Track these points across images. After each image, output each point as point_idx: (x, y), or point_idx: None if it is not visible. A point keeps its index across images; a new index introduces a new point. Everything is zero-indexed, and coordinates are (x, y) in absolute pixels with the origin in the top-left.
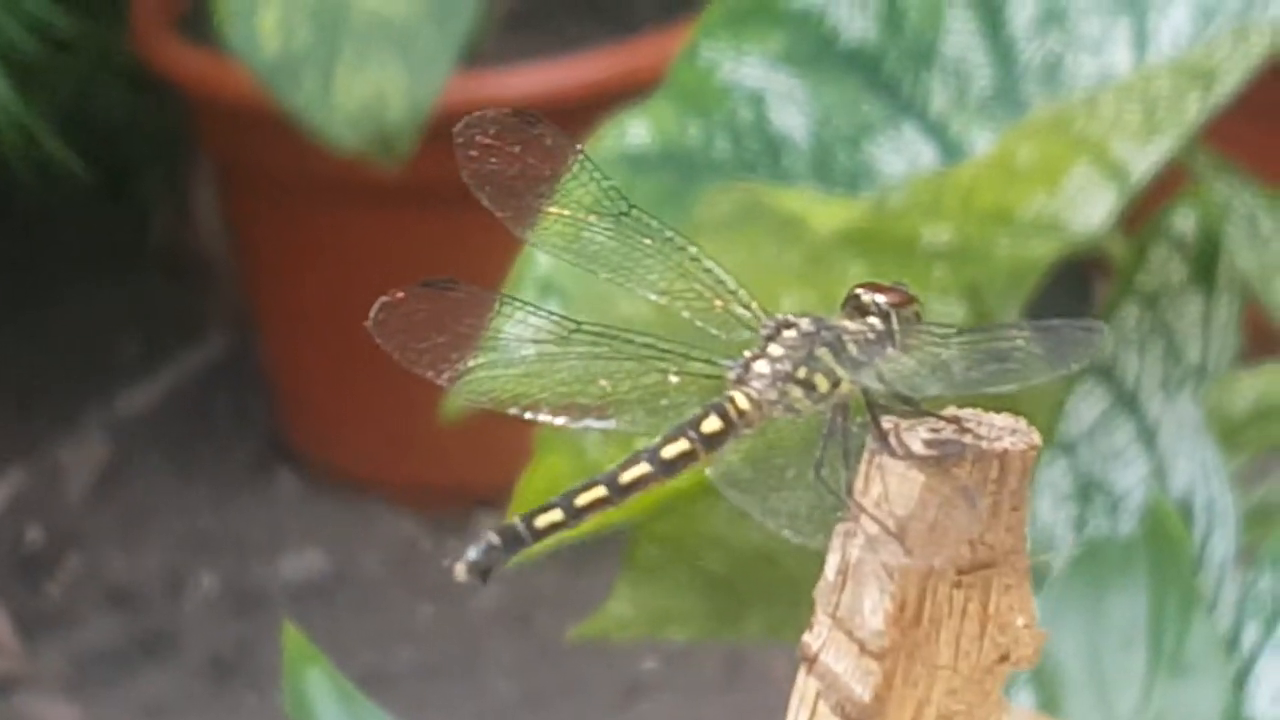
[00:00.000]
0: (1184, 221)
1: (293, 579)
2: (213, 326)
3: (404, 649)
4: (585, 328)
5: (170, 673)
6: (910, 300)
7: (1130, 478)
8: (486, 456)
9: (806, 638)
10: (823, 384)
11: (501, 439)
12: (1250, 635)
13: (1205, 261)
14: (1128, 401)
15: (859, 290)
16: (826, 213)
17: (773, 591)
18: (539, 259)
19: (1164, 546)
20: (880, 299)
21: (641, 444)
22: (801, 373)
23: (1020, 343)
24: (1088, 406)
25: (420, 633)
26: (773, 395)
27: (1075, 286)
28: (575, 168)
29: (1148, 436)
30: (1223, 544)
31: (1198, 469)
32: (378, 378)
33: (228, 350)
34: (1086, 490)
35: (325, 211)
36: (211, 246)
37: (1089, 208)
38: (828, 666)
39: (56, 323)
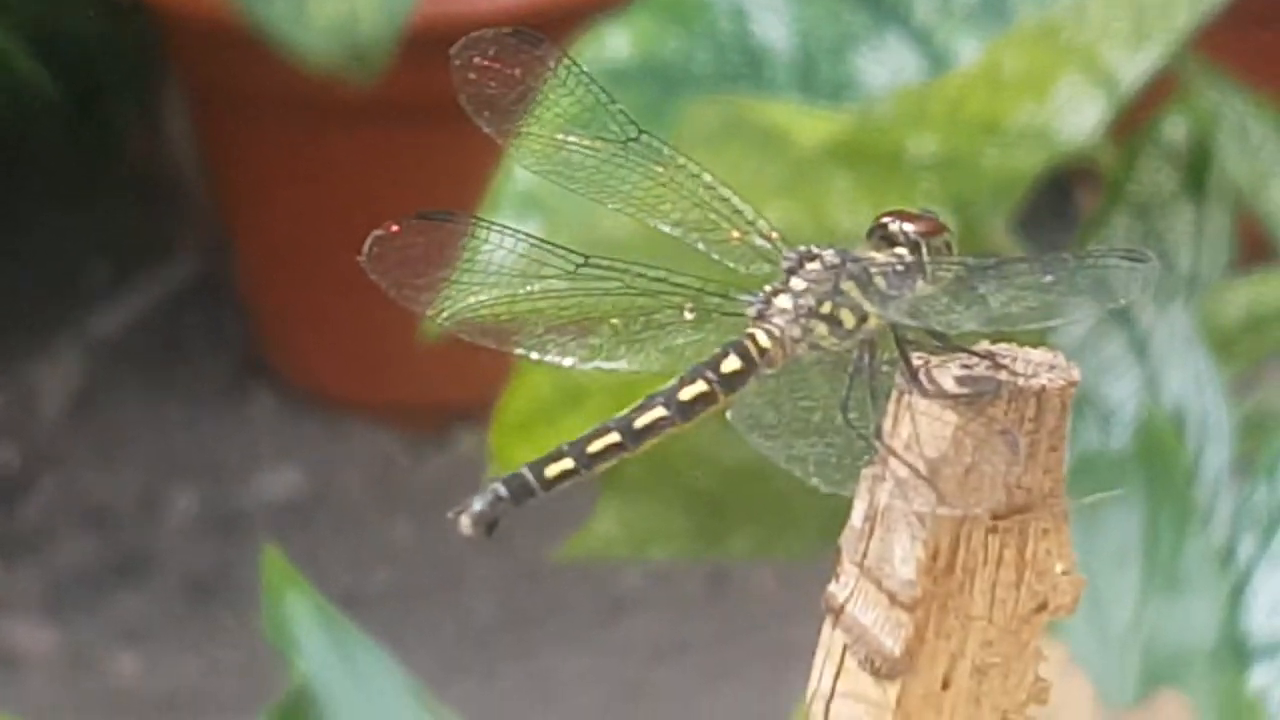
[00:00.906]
0: (1174, 130)
1: (270, 499)
2: (186, 247)
3: (382, 569)
4: (593, 261)
5: (147, 594)
6: (941, 229)
7: (1122, 390)
8: (464, 373)
9: (832, 588)
10: (849, 319)
11: (479, 355)
12: (1246, 548)
13: (1196, 170)
14: (1119, 313)
15: (886, 219)
16: (810, 125)
17: (761, 509)
18: (518, 174)
19: (1157, 460)
20: (909, 228)
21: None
22: (826, 307)
23: (1062, 275)
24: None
25: (399, 553)
26: (796, 332)
27: (1060, 198)
28: (577, 89)
29: (1139, 348)
30: (1217, 456)
31: (1190, 380)
32: (354, 295)
33: (201, 271)
34: (1078, 404)
35: (299, 130)
36: (184, 167)
37: (1078, 117)
38: (855, 618)
39: (28, 246)
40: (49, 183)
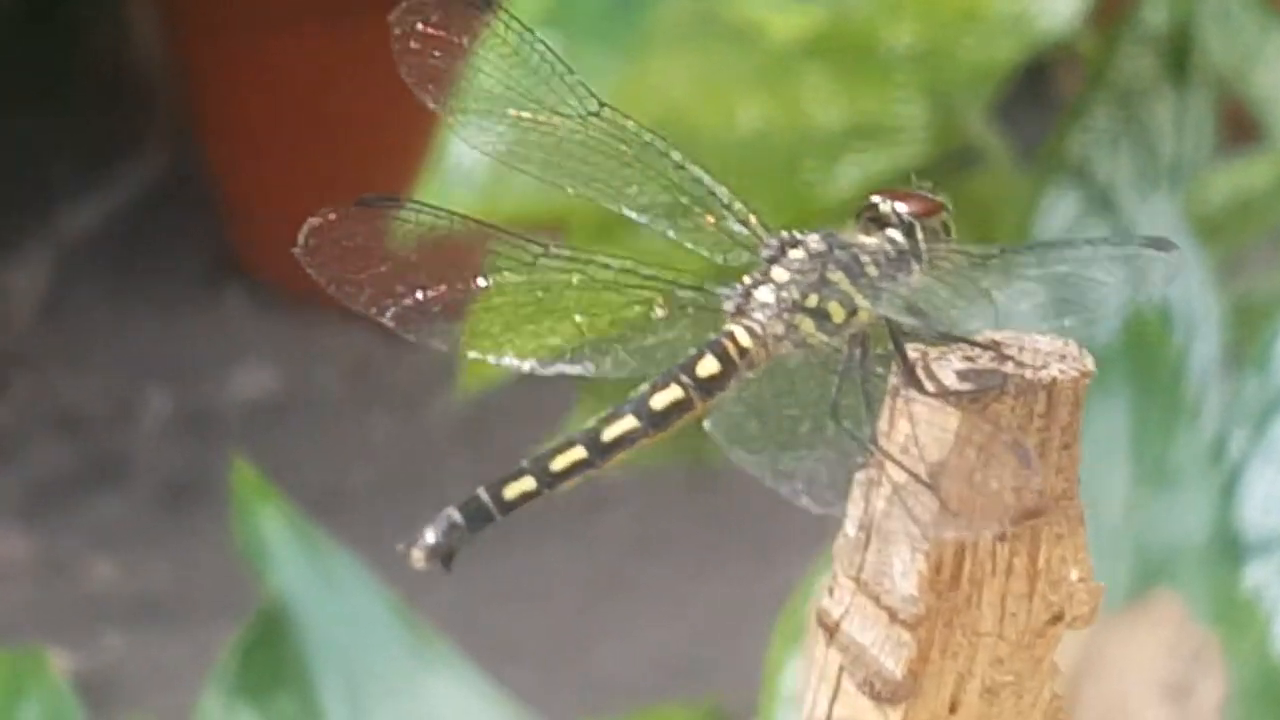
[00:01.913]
0: (1155, 14)
1: (245, 399)
2: (154, 146)
3: (360, 467)
4: (554, 251)
5: (123, 498)
6: (937, 208)
7: None
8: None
9: (826, 603)
10: (837, 313)
11: (455, 250)
12: (1237, 442)
13: (1178, 55)
14: (1102, 201)
15: (875, 199)
16: (784, 19)
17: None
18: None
19: (1144, 353)
20: (901, 207)
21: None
22: (812, 300)
23: (1077, 266)
24: (1061, 208)
25: (376, 450)
26: (779, 329)
27: (1039, 85)
28: (531, 57)
29: None
30: (1205, 347)
31: None
32: (325, 189)
33: (169, 169)
34: None
35: (268, 25)
36: (151, 65)
37: (1057, 4)
38: (851, 637)
39: None
40: (14, 84)
